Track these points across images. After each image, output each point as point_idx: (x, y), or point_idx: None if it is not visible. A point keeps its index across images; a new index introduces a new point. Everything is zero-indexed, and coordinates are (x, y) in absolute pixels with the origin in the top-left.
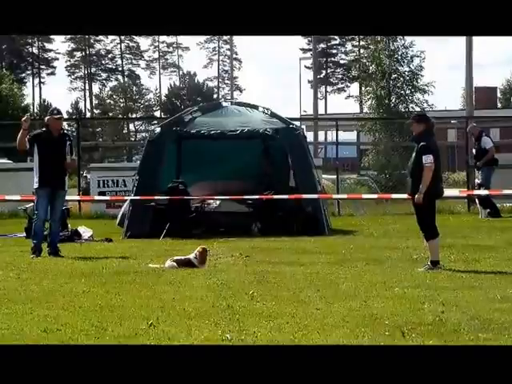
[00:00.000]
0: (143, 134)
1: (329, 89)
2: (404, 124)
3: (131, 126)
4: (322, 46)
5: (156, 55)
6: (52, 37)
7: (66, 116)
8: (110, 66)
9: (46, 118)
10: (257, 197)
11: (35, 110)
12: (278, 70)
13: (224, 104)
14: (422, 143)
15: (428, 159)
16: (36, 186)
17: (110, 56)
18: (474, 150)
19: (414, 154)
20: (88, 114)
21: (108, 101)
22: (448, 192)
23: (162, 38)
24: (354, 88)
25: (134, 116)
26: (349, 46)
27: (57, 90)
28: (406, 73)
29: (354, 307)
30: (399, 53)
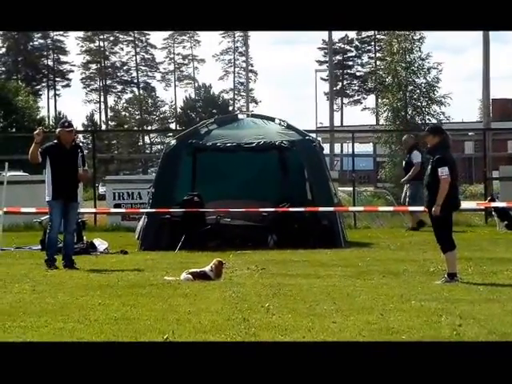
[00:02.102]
0: (158, 147)
1: (345, 101)
2: (418, 136)
3: (146, 139)
4: (338, 57)
5: (171, 67)
6: (67, 49)
7: (81, 128)
8: (126, 78)
9: (57, 131)
10: (272, 209)
11: (50, 123)
12: (294, 81)
13: (240, 116)
14: (436, 156)
15: (444, 171)
16: (49, 198)
17: (125, 68)
18: (403, 162)
19: (429, 167)
20: (103, 127)
21: (123, 113)
22: (465, 204)
23: (178, 49)
24: (371, 100)
25: (149, 128)
26: (365, 58)
27: (72, 102)
28: (423, 85)
29: (370, 320)
30: (416, 65)
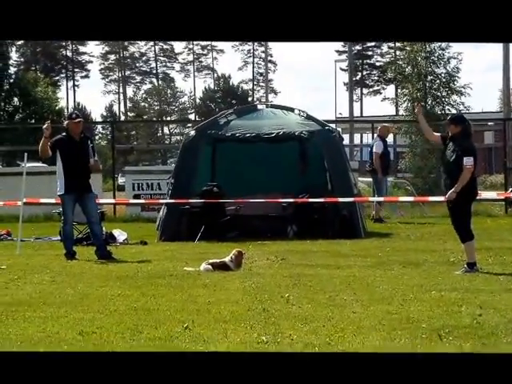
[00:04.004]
0: (178, 137)
1: (364, 91)
2: (442, 126)
3: (166, 129)
4: (358, 48)
5: (190, 58)
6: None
7: (100, 119)
8: (145, 69)
9: (65, 123)
10: (292, 200)
11: None
12: (313, 72)
13: (259, 107)
14: (463, 145)
15: (469, 161)
16: (61, 192)
17: (144, 59)
18: (381, 152)
19: (451, 154)
20: (122, 117)
21: (142, 104)
22: (485, 194)
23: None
24: (390, 90)
25: (168, 119)
26: (385, 48)
27: (91, 93)
28: (443, 75)
29: (390, 310)
30: (436, 54)
